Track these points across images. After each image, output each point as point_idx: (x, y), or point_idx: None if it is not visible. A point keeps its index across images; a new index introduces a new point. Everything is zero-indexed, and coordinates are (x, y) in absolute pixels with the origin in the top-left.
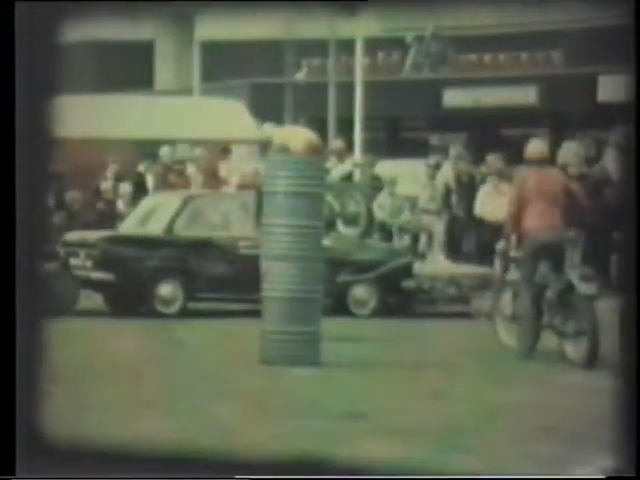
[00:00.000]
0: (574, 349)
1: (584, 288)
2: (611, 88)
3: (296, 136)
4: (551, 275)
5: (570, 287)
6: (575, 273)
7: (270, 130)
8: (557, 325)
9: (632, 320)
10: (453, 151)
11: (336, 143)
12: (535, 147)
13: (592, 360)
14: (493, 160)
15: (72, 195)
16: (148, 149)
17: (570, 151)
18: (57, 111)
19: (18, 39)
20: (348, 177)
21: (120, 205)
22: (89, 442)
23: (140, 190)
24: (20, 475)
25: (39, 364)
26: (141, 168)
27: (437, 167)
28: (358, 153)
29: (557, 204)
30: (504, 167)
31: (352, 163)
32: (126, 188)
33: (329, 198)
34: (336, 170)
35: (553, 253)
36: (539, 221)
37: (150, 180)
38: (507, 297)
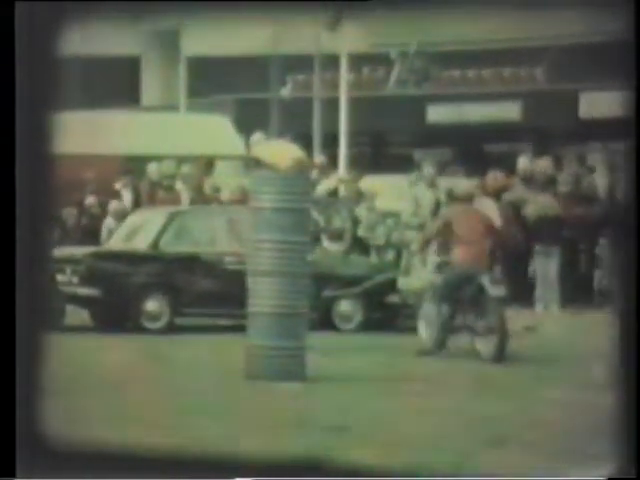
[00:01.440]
0: (484, 345)
1: (493, 290)
2: (593, 104)
3: (282, 152)
4: (465, 280)
5: (481, 290)
6: (486, 277)
7: (257, 145)
8: (469, 324)
9: (632, 327)
10: (426, 169)
11: (318, 158)
12: (463, 187)
13: (500, 355)
14: (492, 178)
15: (68, 211)
16: (134, 165)
17: (553, 167)
18: (56, 120)
19: (18, 39)
20: (333, 192)
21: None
22: (89, 444)
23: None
24: (20, 477)
25: (39, 367)
26: (118, 185)
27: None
28: (343, 168)
29: (480, 240)
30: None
31: (337, 179)
32: (113, 204)
33: (314, 213)
34: (321, 186)
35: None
36: (464, 255)
37: (127, 196)
38: (427, 299)
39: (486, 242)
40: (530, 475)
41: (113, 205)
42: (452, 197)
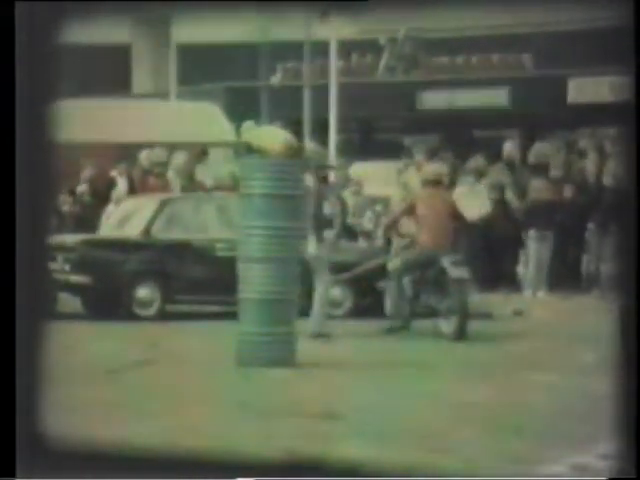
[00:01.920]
0: (446, 326)
1: (455, 272)
2: (581, 90)
3: (273, 137)
4: (427, 261)
5: (443, 272)
6: (447, 259)
7: (248, 132)
8: (432, 305)
9: (632, 321)
10: (416, 155)
11: (309, 145)
12: (433, 170)
13: (461, 334)
14: (473, 162)
15: (61, 199)
16: (125, 153)
17: (542, 152)
18: (57, 111)
19: (18, 39)
20: (324, 179)
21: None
22: (90, 444)
23: (106, 195)
24: (20, 477)
25: (39, 365)
26: (114, 172)
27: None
28: (333, 155)
29: (443, 223)
30: (483, 167)
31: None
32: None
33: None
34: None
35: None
36: (426, 237)
37: (122, 184)
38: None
39: (449, 225)
40: (530, 475)
41: (115, 192)
42: (424, 182)
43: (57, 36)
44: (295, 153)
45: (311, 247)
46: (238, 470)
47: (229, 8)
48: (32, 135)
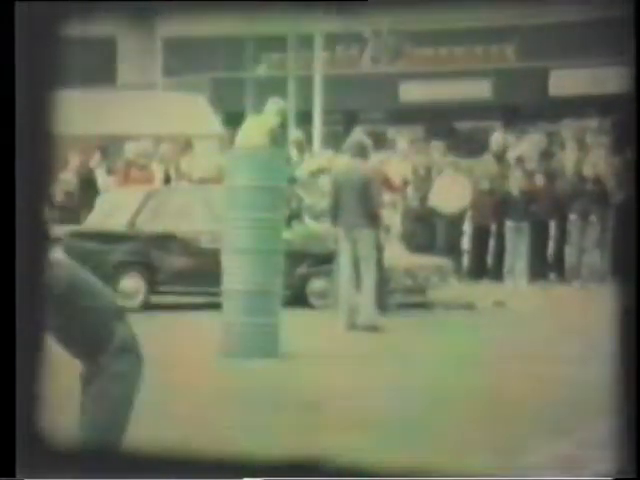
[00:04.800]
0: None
1: None
2: (562, 82)
3: (255, 126)
4: None
5: None
6: None
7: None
8: None
9: (632, 318)
10: (400, 145)
11: (295, 134)
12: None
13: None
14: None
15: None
16: (111, 143)
17: (524, 144)
18: (57, 106)
19: (18, 39)
20: (318, 171)
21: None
22: (90, 443)
23: (91, 186)
24: (20, 476)
25: (39, 364)
26: (92, 164)
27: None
28: (317, 146)
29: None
30: (460, 159)
31: (324, 158)
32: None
33: (298, 191)
34: (306, 164)
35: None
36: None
37: (101, 174)
38: None
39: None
40: (530, 475)
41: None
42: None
43: (57, 37)
44: (278, 139)
45: (363, 240)
46: (238, 471)
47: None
48: (31, 138)
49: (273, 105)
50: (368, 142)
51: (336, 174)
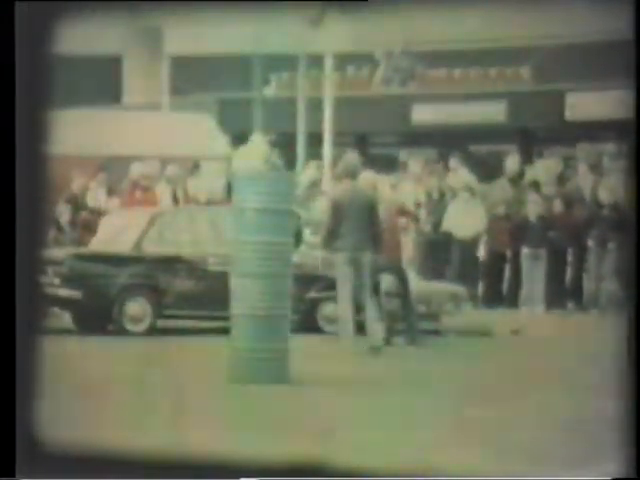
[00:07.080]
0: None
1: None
2: (578, 105)
3: (251, 151)
4: None
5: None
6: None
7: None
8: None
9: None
10: (413, 168)
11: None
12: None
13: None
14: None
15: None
16: (116, 164)
17: (540, 169)
18: (58, 125)
19: (18, 39)
20: (315, 183)
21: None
22: (89, 446)
23: (94, 207)
24: (20, 477)
25: (38, 368)
26: (96, 184)
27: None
28: (327, 168)
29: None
30: (474, 183)
31: (316, 167)
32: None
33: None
34: (304, 176)
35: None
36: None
37: (101, 195)
38: None
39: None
40: (530, 475)
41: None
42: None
43: (57, 37)
44: (272, 162)
45: (366, 264)
46: (238, 472)
47: (223, 19)
48: (31, 137)
49: (259, 136)
50: (357, 162)
51: (335, 197)
